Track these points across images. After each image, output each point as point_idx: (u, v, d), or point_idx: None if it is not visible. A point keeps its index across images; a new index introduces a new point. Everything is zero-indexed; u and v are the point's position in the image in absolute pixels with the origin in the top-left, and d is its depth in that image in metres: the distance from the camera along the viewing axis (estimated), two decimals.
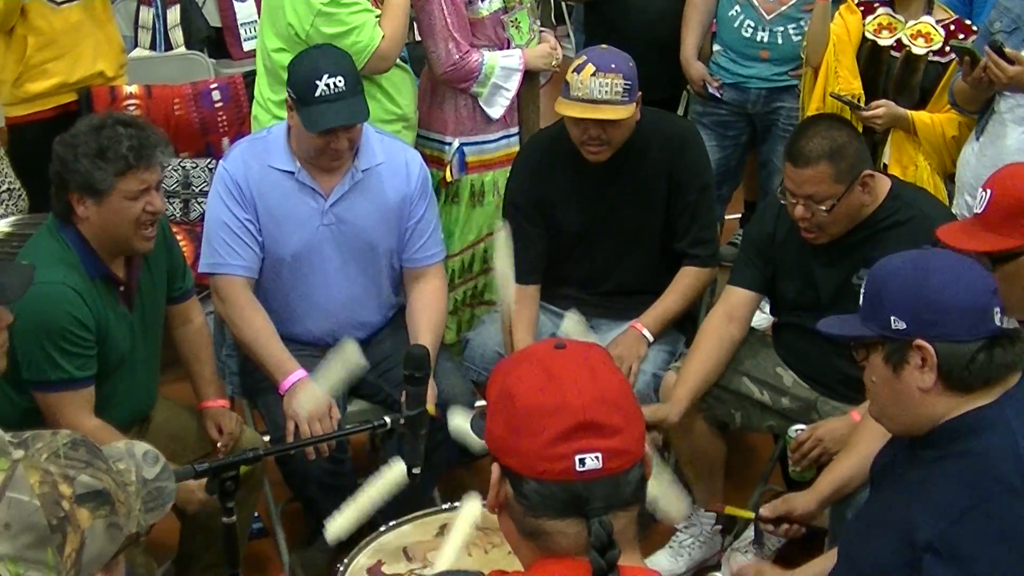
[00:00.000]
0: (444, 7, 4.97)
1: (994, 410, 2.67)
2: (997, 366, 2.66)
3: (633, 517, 2.05)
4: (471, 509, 3.08)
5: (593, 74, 4.34)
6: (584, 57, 4.43)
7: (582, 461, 1.96)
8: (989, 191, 3.32)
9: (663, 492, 3.14)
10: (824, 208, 3.95)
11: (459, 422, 3.64)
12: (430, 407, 3.73)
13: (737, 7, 5.70)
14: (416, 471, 3.37)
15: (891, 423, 2.82)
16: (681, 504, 3.24)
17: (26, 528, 2.03)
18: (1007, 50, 4.45)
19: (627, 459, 2.00)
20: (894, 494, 2.80)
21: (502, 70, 5.12)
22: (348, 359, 3.65)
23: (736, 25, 5.71)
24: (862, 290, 2.82)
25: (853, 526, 2.99)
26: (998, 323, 2.67)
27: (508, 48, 5.21)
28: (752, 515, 3.75)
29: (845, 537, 3.01)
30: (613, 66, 4.36)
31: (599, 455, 1.96)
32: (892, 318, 2.68)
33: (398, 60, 5.02)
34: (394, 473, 3.24)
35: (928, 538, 2.60)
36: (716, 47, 5.91)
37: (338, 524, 3.21)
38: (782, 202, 4.09)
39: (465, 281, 5.35)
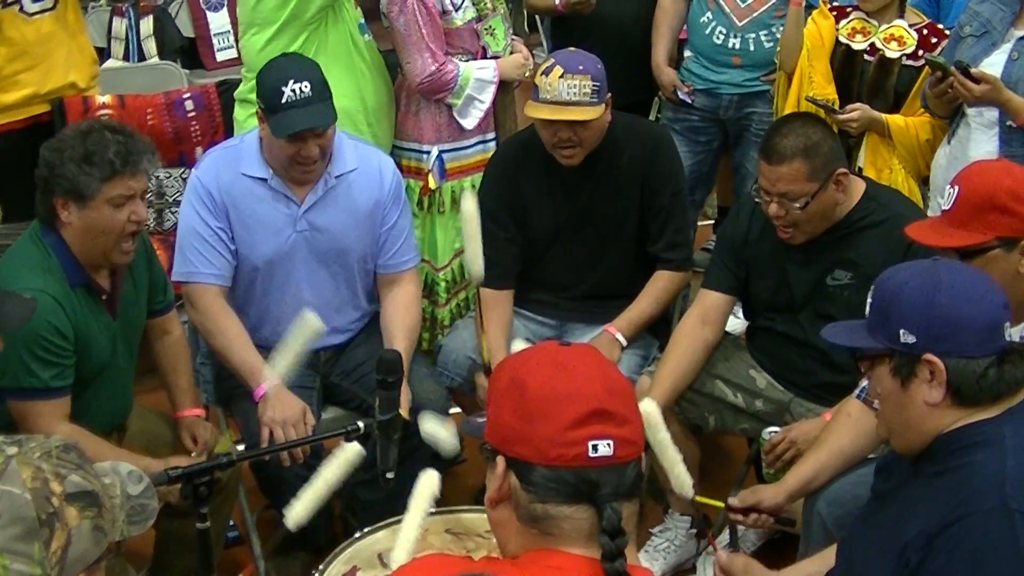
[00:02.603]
0: (419, 17, 4.95)
1: (991, 426, 2.65)
2: (1007, 382, 2.64)
3: (635, 511, 2.08)
4: (428, 481, 3.06)
5: (561, 76, 4.35)
6: (552, 60, 4.44)
7: (595, 447, 2.00)
8: (957, 188, 3.33)
9: (674, 462, 3.14)
10: (798, 205, 3.97)
11: (431, 426, 3.63)
12: (403, 411, 3.73)
13: (709, 14, 5.69)
14: (390, 476, 3.37)
15: (899, 440, 2.79)
16: (688, 478, 3.24)
17: (15, 520, 2.06)
18: (973, 70, 4.47)
19: (633, 449, 2.04)
20: (894, 511, 2.78)
21: (477, 82, 5.11)
22: (308, 326, 3.64)
23: (707, 32, 5.70)
24: (869, 300, 2.79)
25: (855, 534, 2.96)
26: (1008, 338, 2.66)
27: (484, 56, 5.21)
28: (722, 505, 3.76)
29: (846, 544, 2.98)
30: (581, 68, 4.37)
31: (611, 442, 2.01)
32: (901, 331, 2.66)
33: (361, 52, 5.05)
34: (347, 453, 3.22)
35: (908, 551, 2.60)
36: (687, 53, 5.92)
37: (296, 510, 3.20)
38: (756, 200, 4.11)
39: (455, 294, 5.34)
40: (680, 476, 3.17)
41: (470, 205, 3.90)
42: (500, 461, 2.08)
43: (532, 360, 2.13)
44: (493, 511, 2.13)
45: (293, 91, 4.12)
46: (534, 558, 2.04)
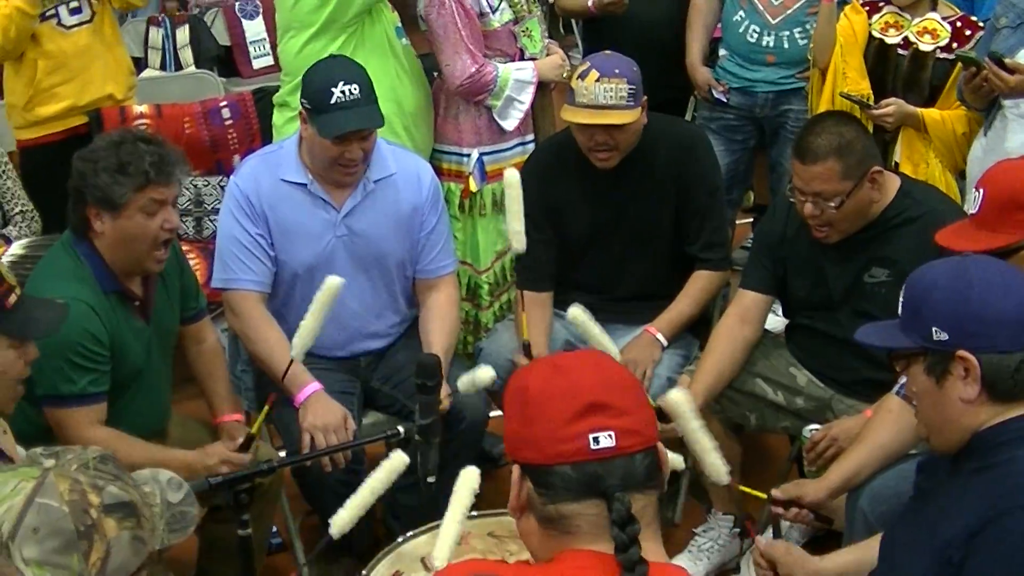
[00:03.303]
0: (458, 19, 4.97)
1: None
2: None
3: (651, 501, 2.09)
4: (469, 476, 3.06)
5: (597, 80, 4.34)
6: (588, 63, 4.43)
7: (596, 440, 2.02)
8: (982, 190, 3.33)
9: (706, 450, 3.12)
10: (833, 205, 3.95)
11: (464, 380, 3.65)
12: (444, 402, 3.76)
13: (742, 12, 5.68)
14: (431, 480, 3.37)
15: (937, 438, 2.77)
16: (723, 465, 3.22)
17: (54, 533, 2.08)
18: (1007, 60, 4.46)
19: (639, 440, 2.05)
20: (935, 508, 2.76)
21: (516, 83, 5.12)
22: (329, 287, 3.66)
23: (741, 30, 5.70)
24: (900, 299, 2.78)
25: (897, 532, 2.94)
26: None
27: (522, 58, 5.22)
28: (764, 495, 3.75)
29: (887, 542, 2.97)
30: (617, 71, 4.36)
31: (612, 433, 2.02)
32: (934, 329, 2.64)
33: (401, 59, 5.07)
34: (393, 462, 3.23)
35: (949, 549, 2.58)
36: (722, 51, 5.91)
37: (341, 518, 3.21)
38: (791, 200, 4.10)
39: (498, 296, 5.33)
40: (715, 464, 3.15)
41: (514, 175, 3.92)
42: (515, 469, 2.11)
43: (532, 367, 2.18)
44: (519, 522, 2.15)
45: (343, 92, 4.13)
46: (562, 559, 2.05)
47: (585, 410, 2.03)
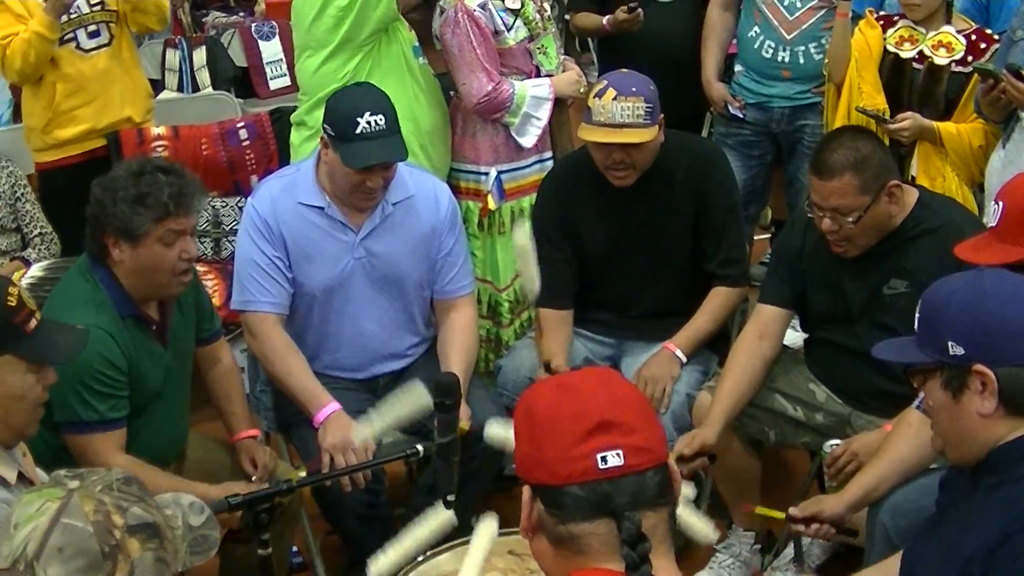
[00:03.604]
0: (473, 38, 4.97)
1: None
2: None
3: (663, 519, 2.07)
4: (488, 527, 3.07)
5: (614, 98, 4.34)
6: (605, 82, 4.43)
7: (604, 459, 2.00)
8: (1001, 203, 3.32)
9: (687, 514, 3.11)
10: (851, 220, 3.95)
11: (496, 431, 3.61)
12: (464, 424, 3.74)
13: (757, 28, 5.69)
14: (451, 499, 3.38)
15: (954, 452, 2.77)
16: (705, 525, 3.20)
17: (79, 553, 2.10)
18: None
19: (648, 457, 2.03)
20: (955, 524, 2.75)
21: (533, 99, 5.11)
22: (415, 398, 3.63)
23: (756, 46, 5.70)
24: (916, 315, 2.77)
25: (917, 548, 2.92)
26: None
27: (538, 75, 5.22)
28: (783, 515, 3.75)
29: (908, 558, 2.95)
30: (634, 89, 4.36)
31: (620, 451, 2.01)
32: (950, 344, 2.64)
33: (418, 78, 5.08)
34: (440, 519, 3.23)
35: (971, 565, 2.57)
36: (737, 67, 5.91)
37: (382, 563, 3.21)
38: (809, 215, 4.09)
39: (518, 314, 5.32)
40: (698, 526, 3.13)
41: (523, 238, 3.92)
42: (526, 490, 2.11)
43: (540, 387, 2.16)
44: (532, 543, 2.14)
45: (368, 123, 4.12)
46: None
47: (593, 429, 2.02)
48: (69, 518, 2.12)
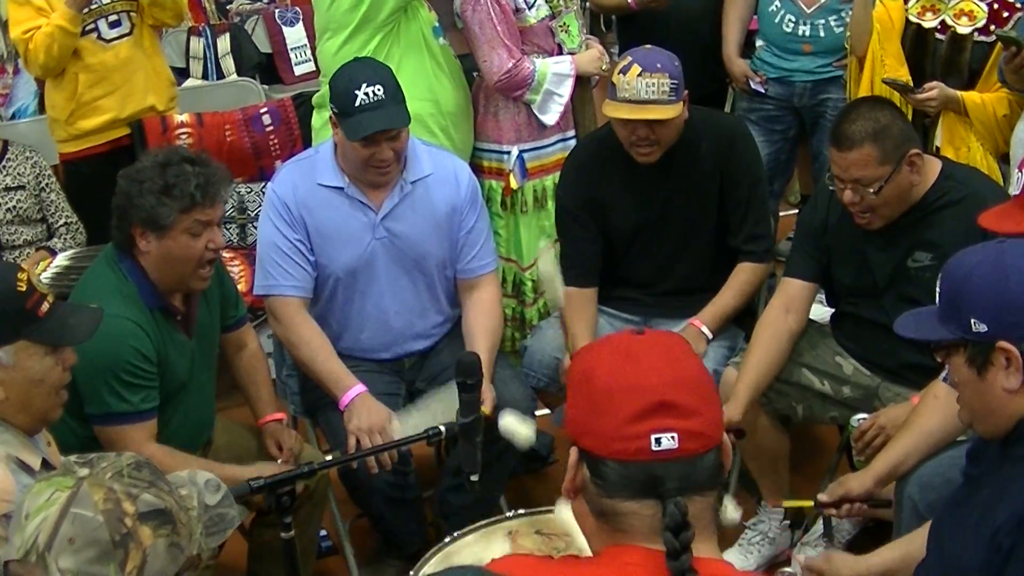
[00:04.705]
0: (494, 16, 4.97)
1: None
2: None
3: (710, 503, 2.03)
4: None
5: (639, 75, 4.32)
6: (629, 58, 4.40)
7: (658, 441, 1.95)
8: None
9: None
10: (872, 191, 3.92)
11: (509, 420, 3.58)
12: (486, 408, 3.73)
13: (777, 2, 5.67)
14: (474, 478, 3.37)
15: (982, 425, 2.76)
16: (732, 507, 3.18)
17: (89, 543, 2.09)
18: None
19: (703, 442, 1.98)
20: (984, 495, 2.74)
21: (554, 76, 5.10)
22: (450, 406, 3.60)
23: (777, 20, 5.69)
24: (938, 290, 2.75)
25: (945, 520, 2.91)
26: None
27: (560, 53, 5.21)
28: (811, 504, 3.73)
29: (936, 530, 2.94)
30: (659, 66, 4.34)
31: (675, 435, 1.95)
32: (972, 320, 2.62)
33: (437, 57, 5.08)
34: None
35: (999, 535, 2.56)
36: (759, 42, 5.89)
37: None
38: (831, 188, 4.07)
39: (542, 292, 5.28)
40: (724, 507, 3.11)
41: (547, 265, 3.91)
42: (573, 451, 2.06)
43: (603, 350, 2.09)
44: (573, 501, 2.10)
45: (366, 94, 4.13)
46: (611, 553, 2.02)
47: (650, 410, 1.96)
48: (79, 508, 2.12)
